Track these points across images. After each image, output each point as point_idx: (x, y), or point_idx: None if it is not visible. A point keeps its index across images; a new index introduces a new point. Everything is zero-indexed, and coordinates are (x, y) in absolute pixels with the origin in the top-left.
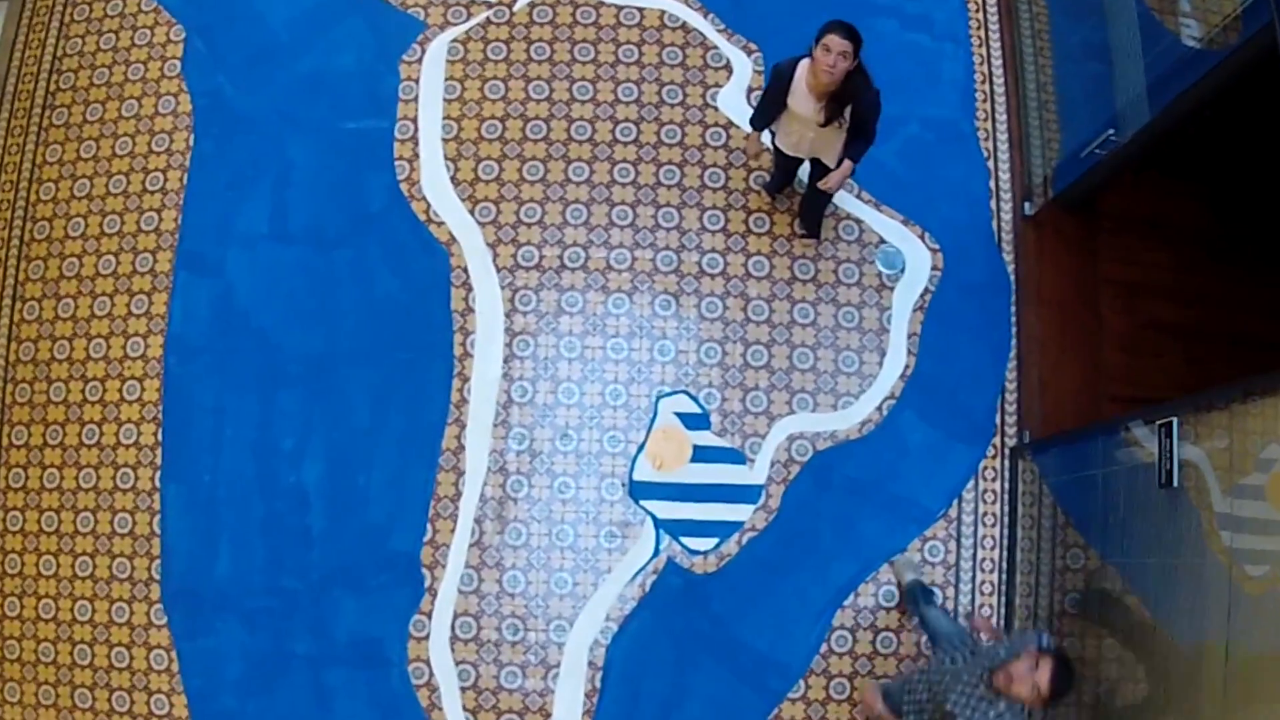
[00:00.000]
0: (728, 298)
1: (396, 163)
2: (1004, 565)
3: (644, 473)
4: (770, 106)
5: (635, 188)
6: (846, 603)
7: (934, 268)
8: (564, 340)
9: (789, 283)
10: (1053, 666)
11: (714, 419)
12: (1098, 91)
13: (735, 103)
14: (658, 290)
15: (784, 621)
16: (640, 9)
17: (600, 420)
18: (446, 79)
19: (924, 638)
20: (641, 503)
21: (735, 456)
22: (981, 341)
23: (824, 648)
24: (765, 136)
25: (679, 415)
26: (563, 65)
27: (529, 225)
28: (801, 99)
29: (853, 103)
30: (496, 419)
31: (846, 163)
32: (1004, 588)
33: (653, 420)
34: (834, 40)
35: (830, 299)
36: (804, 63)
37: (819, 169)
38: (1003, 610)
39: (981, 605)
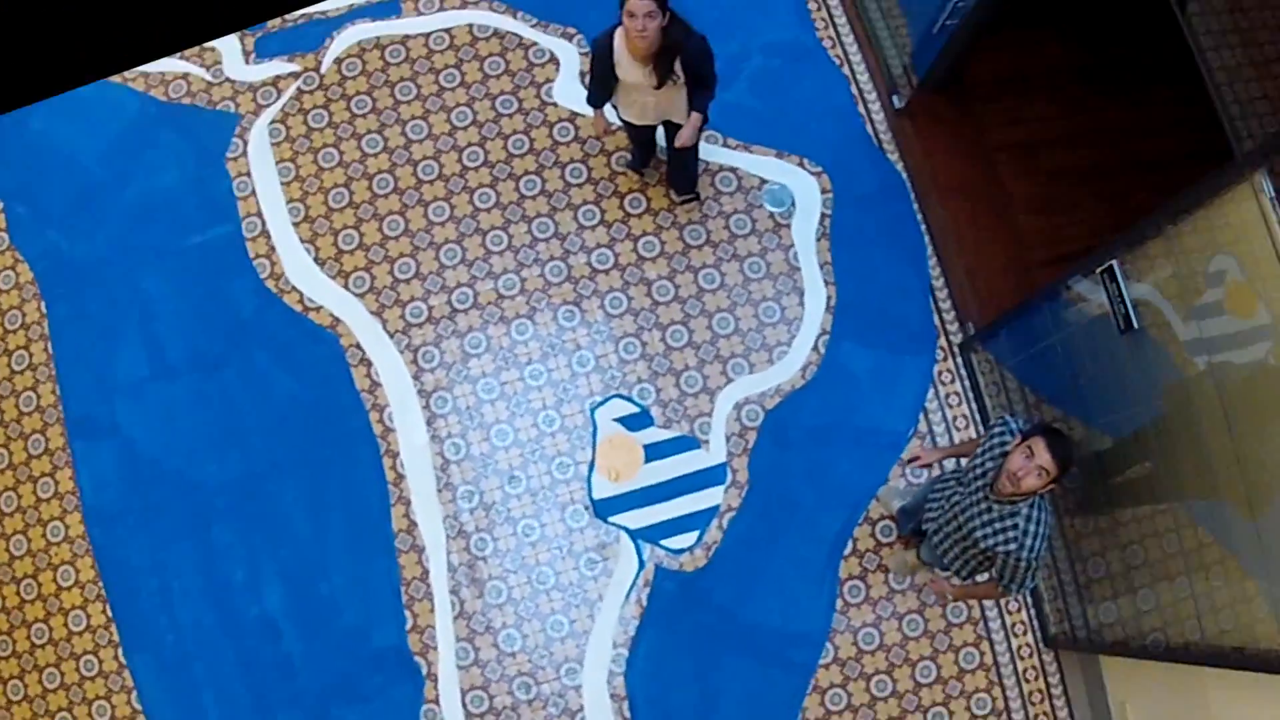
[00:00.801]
0: (629, 288)
1: (255, 262)
2: None
3: (603, 489)
4: (601, 83)
5: (500, 209)
6: (847, 552)
7: (823, 191)
8: (480, 384)
9: (684, 253)
10: (1045, 441)
11: (655, 413)
12: None
13: (572, 92)
14: (556, 304)
15: (790, 592)
16: (447, 30)
17: (542, 452)
18: (277, 163)
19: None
20: (610, 520)
21: (688, 443)
22: (895, 249)
23: (839, 604)
24: (610, 113)
25: (619, 421)
26: (389, 111)
27: (407, 281)
28: (629, 67)
29: (680, 56)
30: (439, 484)
31: (694, 115)
32: None
33: (594, 434)
34: (636, 4)
35: (731, 256)
36: (619, 31)
37: (674, 130)
38: None
39: None
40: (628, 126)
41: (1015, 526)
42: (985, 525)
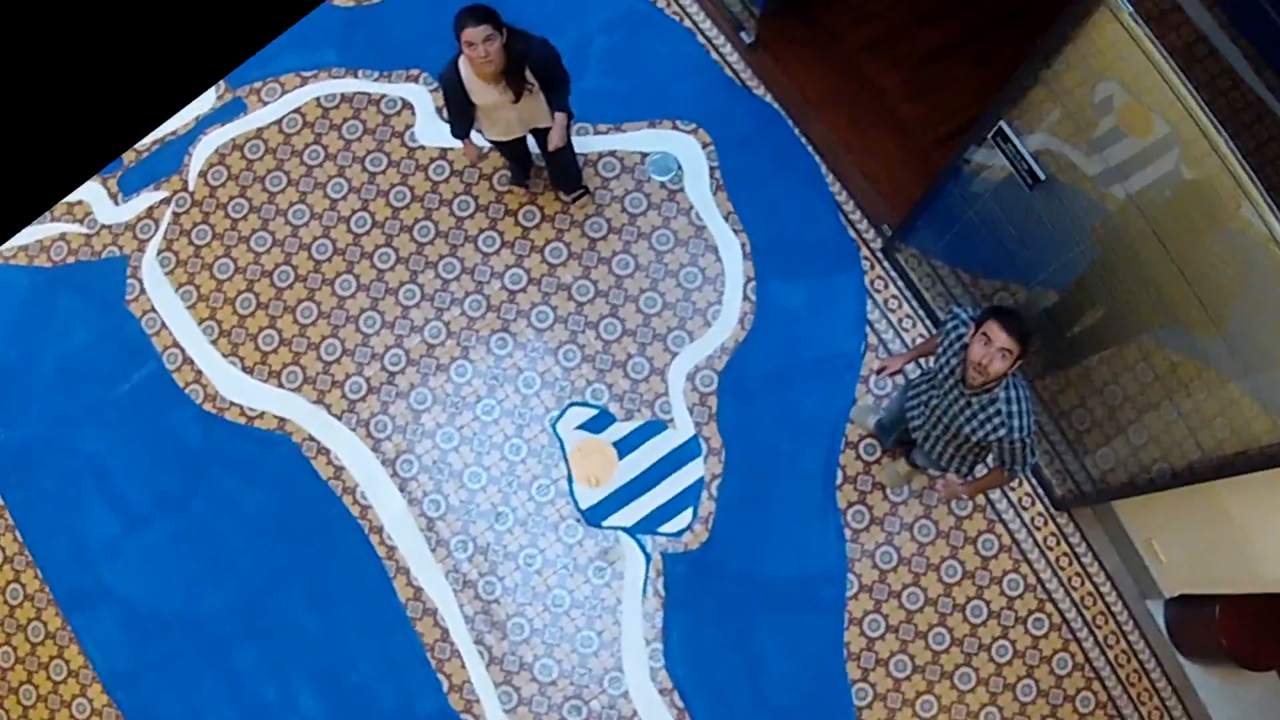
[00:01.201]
0: (549, 299)
1: (187, 390)
2: None
3: (587, 498)
4: (460, 114)
5: (403, 263)
6: (839, 482)
7: (704, 145)
8: (438, 436)
9: (592, 248)
10: (999, 323)
11: (613, 409)
12: None
13: (434, 131)
14: (485, 336)
15: (797, 536)
16: (296, 110)
17: (518, 481)
18: (177, 289)
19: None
20: (604, 525)
21: (655, 428)
22: (791, 178)
23: (847, 534)
24: (478, 138)
25: (582, 427)
26: (266, 206)
27: (337, 361)
28: (482, 91)
29: (527, 65)
30: (430, 544)
31: (559, 115)
32: None
33: (562, 448)
34: (471, 33)
35: (637, 236)
36: (462, 60)
37: (544, 135)
38: None
39: None
40: (498, 146)
41: (999, 413)
42: (970, 420)
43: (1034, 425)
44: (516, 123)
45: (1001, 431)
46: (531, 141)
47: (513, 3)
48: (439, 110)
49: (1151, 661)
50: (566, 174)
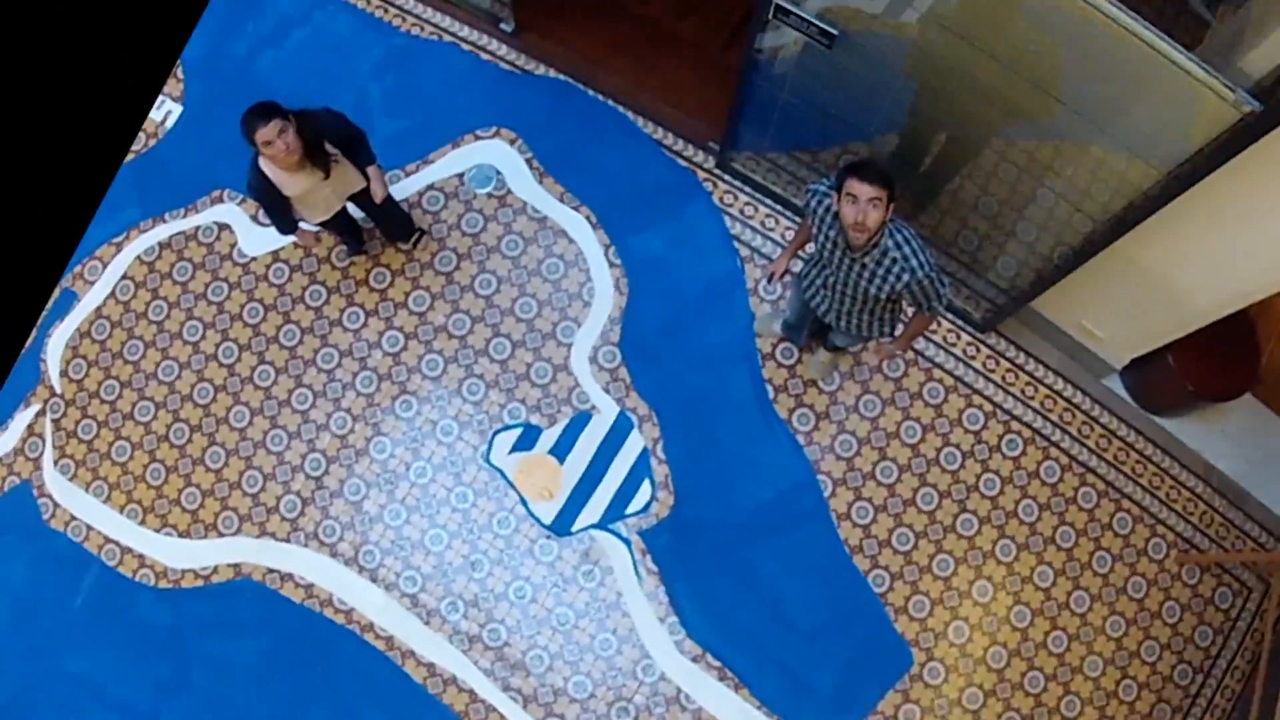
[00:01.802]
0: (432, 345)
1: (138, 577)
2: None
3: (548, 513)
4: (280, 212)
5: (283, 373)
6: (772, 396)
7: (511, 143)
8: (385, 516)
9: (450, 282)
10: (858, 177)
11: (535, 420)
12: None
13: (259, 238)
14: (389, 405)
15: (756, 462)
16: (123, 277)
17: (476, 524)
18: (87, 489)
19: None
20: (574, 531)
21: (581, 420)
22: (604, 137)
23: (801, 439)
24: (306, 225)
25: (515, 449)
26: (135, 376)
27: (262, 489)
28: (291, 182)
29: (324, 139)
30: (422, 619)
31: (371, 170)
32: None
33: (504, 476)
34: (264, 132)
35: (487, 253)
36: (261, 160)
37: (363, 197)
38: None
39: None
40: (327, 224)
41: (895, 261)
42: (872, 279)
43: (932, 258)
44: (334, 197)
45: (905, 277)
46: (352, 208)
47: (278, 85)
48: (254, 218)
49: (1131, 434)
50: (398, 223)
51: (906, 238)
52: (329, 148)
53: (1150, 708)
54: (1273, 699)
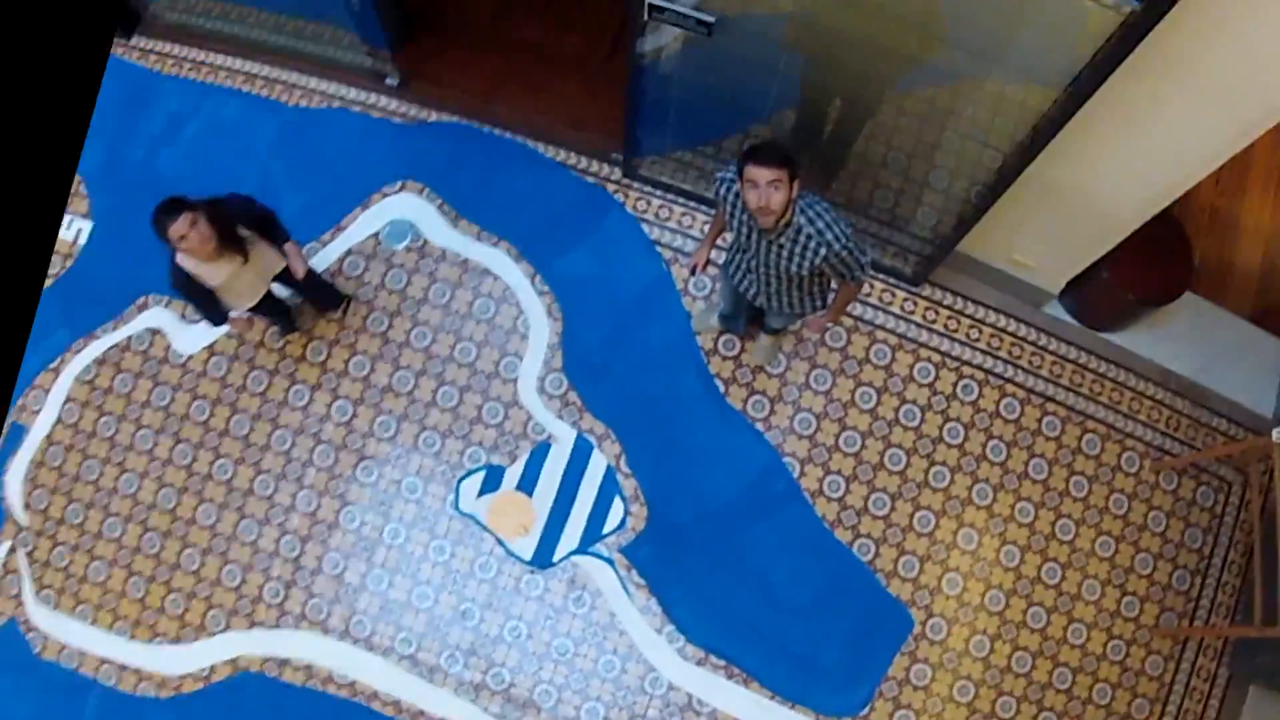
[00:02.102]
0: (380, 407)
1: (139, 692)
2: None
3: (526, 548)
4: (208, 304)
5: (242, 464)
6: (723, 390)
7: (419, 192)
8: (368, 583)
9: (386, 341)
10: (755, 161)
11: (496, 460)
12: None
13: (192, 336)
14: (350, 474)
15: (721, 457)
16: (68, 399)
17: (459, 574)
18: (72, 615)
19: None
20: (556, 561)
21: (541, 451)
22: (510, 169)
23: (760, 426)
24: (236, 311)
25: (482, 493)
26: (98, 495)
27: (243, 581)
28: (212, 272)
29: (235, 224)
30: (425, 677)
31: (287, 247)
32: None
33: (477, 521)
34: (176, 228)
35: (417, 306)
36: (179, 256)
37: (287, 274)
38: None
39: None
40: (256, 309)
41: (810, 237)
42: (790, 257)
43: (847, 228)
44: (257, 281)
45: (823, 251)
46: (278, 287)
47: (181, 181)
48: (183, 317)
49: (1082, 355)
50: (325, 295)
51: (819, 212)
52: (242, 231)
53: (1155, 618)
54: (1272, 586)
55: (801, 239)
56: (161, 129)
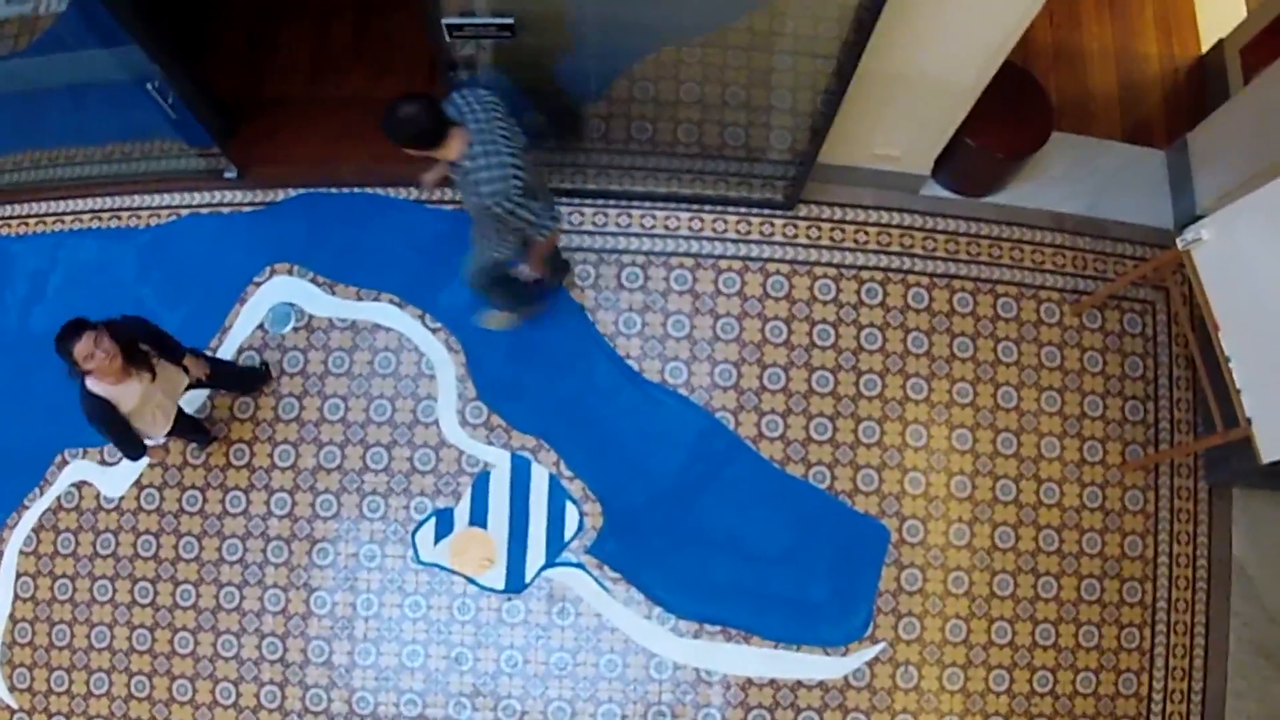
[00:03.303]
0: (315, 487)
1: None
2: None
3: (496, 578)
4: (122, 433)
5: (201, 584)
6: (636, 368)
7: (290, 272)
8: (356, 659)
9: (301, 423)
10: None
11: (441, 503)
12: None
13: (115, 479)
14: (306, 562)
15: (654, 433)
16: (17, 574)
17: (440, 623)
18: None
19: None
20: (529, 582)
21: (482, 481)
22: (370, 223)
23: (682, 392)
24: (152, 440)
25: (439, 540)
26: (78, 656)
27: (235, 697)
28: (125, 394)
29: (135, 339)
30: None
31: (188, 359)
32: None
33: (442, 567)
34: (82, 347)
35: (321, 379)
36: (90, 380)
37: (197, 383)
38: None
39: None
40: (171, 433)
41: (476, 181)
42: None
43: (504, 189)
44: (167, 402)
45: (478, 200)
46: (194, 395)
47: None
48: (102, 461)
49: (972, 225)
50: (239, 379)
51: (488, 164)
52: (143, 347)
53: (1121, 455)
54: (1222, 388)
55: (469, 178)
56: (26, 290)
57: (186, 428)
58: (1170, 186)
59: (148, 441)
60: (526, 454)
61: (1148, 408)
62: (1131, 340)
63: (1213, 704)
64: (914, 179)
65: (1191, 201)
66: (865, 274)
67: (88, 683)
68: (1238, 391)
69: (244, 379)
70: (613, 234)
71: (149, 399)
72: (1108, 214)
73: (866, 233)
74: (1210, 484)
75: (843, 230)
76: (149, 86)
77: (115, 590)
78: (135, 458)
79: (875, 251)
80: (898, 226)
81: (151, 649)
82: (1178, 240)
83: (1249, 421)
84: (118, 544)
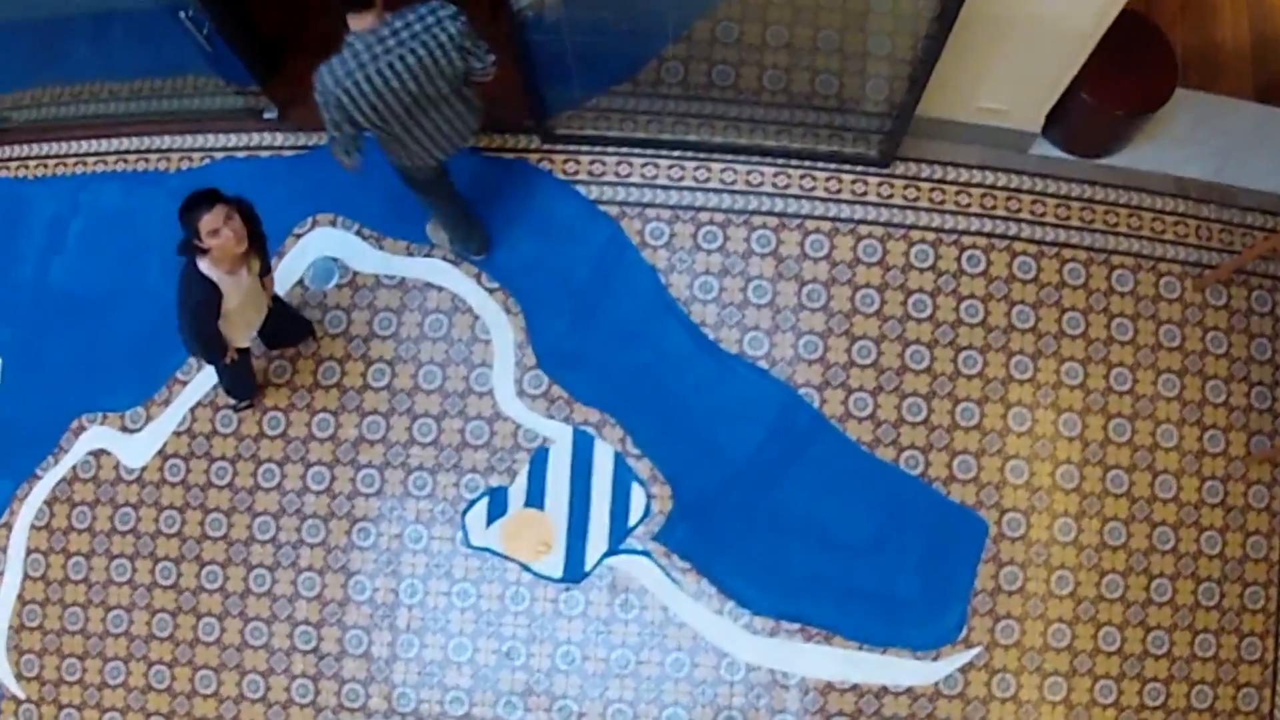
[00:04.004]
0: (357, 461)
1: None
2: None
3: (554, 566)
4: (211, 331)
5: (233, 565)
6: (713, 337)
7: (333, 224)
8: (398, 650)
9: (343, 390)
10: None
11: (495, 481)
12: None
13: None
14: (346, 542)
15: (731, 409)
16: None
17: (490, 613)
18: None
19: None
20: (590, 571)
21: (540, 458)
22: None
23: (763, 364)
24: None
25: (492, 521)
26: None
27: (264, 691)
28: (232, 286)
29: (258, 232)
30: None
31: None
32: None
33: (493, 551)
34: (207, 221)
35: (365, 342)
36: (204, 263)
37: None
38: None
39: None
40: (238, 356)
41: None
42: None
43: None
44: (254, 313)
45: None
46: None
47: (81, 286)
48: (125, 429)
49: (1086, 188)
50: (291, 325)
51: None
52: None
53: (1245, 446)
54: None
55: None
56: (45, 238)
57: (245, 369)
58: None
59: (235, 345)
60: (589, 429)
61: (1276, 394)
62: (1259, 320)
63: None
64: (1022, 136)
65: None
66: (967, 240)
67: (102, 672)
68: None
69: (294, 326)
70: (690, 189)
71: (248, 302)
72: (1235, 180)
73: (969, 194)
74: None
75: (943, 191)
76: (183, 15)
77: (134, 570)
78: (212, 360)
79: (978, 215)
80: (1003, 188)
81: (173, 636)
82: None
83: None
84: (138, 519)
